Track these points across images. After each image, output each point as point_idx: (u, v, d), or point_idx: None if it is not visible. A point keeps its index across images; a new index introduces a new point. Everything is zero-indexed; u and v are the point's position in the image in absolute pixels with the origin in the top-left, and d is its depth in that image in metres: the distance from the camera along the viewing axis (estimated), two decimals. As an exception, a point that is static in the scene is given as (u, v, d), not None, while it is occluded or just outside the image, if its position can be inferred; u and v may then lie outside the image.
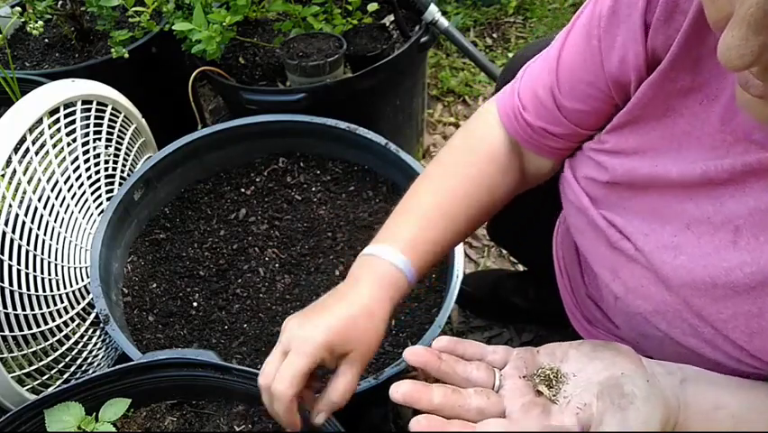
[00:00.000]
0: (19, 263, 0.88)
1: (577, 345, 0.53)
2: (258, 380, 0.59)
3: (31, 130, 0.93)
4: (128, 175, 1.14)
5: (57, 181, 0.98)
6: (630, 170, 0.56)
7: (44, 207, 0.95)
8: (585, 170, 0.63)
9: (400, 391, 0.49)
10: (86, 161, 1.05)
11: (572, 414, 0.48)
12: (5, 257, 0.86)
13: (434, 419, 0.48)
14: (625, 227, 0.58)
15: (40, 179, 0.95)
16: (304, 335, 0.57)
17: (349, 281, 0.64)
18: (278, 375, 0.57)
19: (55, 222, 0.97)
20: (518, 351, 0.55)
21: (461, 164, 0.71)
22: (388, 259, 0.63)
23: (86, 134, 1.05)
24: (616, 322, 0.70)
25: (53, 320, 0.93)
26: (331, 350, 0.58)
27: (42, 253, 0.93)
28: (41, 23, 1.25)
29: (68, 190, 1.01)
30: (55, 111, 0.98)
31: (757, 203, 0.47)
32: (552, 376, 0.50)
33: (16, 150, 0.89)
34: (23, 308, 0.88)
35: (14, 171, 0.89)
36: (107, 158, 1.10)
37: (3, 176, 0.88)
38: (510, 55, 1.98)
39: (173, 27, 1.22)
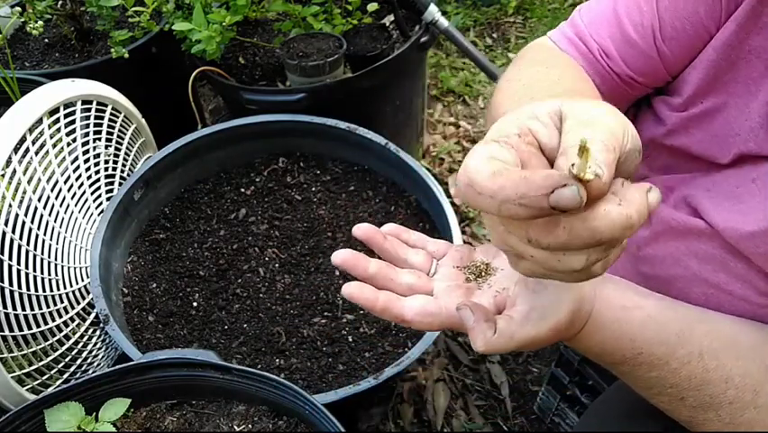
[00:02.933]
0: (19, 263, 0.88)
1: None
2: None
3: (31, 130, 0.93)
4: (128, 175, 1.14)
5: (57, 181, 0.98)
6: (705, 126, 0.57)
7: (44, 207, 0.95)
8: (649, 123, 0.63)
9: (340, 256, 0.50)
10: (86, 161, 1.05)
11: (491, 297, 0.50)
12: (5, 257, 0.86)
13: (365, 286, 0.49)
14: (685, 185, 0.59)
15: (40, 179, 0.95)
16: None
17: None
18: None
19: (55, 222, 0.97)
20: (457, 246, 0.57)
21: (554, 64, 0.63)
22: None
23: (86, 134, 1.05)
24: (633, 279, 0.70)
25: (53, 320, 0.93)
26: None
27: (42, 253, 0.93)
28: (40, 23, 1.25)
29: (68, 190, 1.01)
30: (55, 111, 0.98)
31: None
32: (482, 268, 0.54)
33: (16, 150, 0.89)
34: (23, 308, 0.88)
35: (14, 171, 0.89)
36: (107, 158, 1.10)
37: (3, 176, 0.88)
38: (510, 55, 1.98)
39: (173, 27, 1.22)
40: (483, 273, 0.53)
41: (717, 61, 0.56)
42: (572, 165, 0.31)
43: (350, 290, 0.49)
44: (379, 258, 0.54)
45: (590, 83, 0.62)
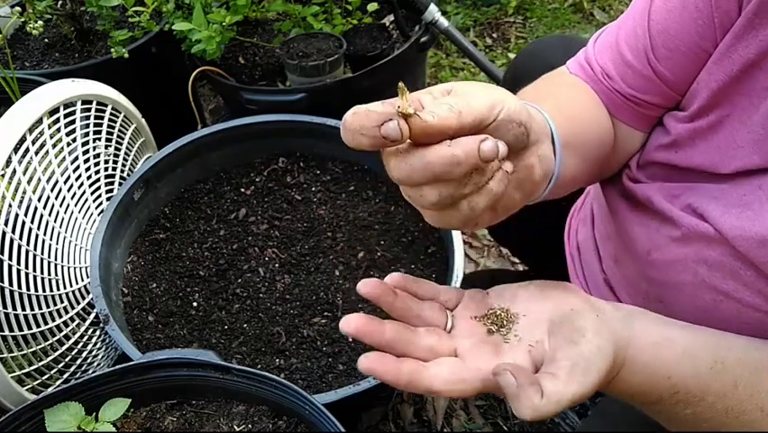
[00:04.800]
0: (19, 263, 0.88)
1: (525, 286, 0.52)
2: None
3: (30, 130, 0.93)
4: (128, 175, 1.14)
5: (57, 181, 0.98)
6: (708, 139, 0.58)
7: (44, 207, 0.95)
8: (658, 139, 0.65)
9: (352, 324, 0.45)
10: (86, 161, 1.05)
11: (524, 352, 0.47)
12: (5, 257, 0.86)
13: (385, 357, 0.44)
14: (693, 191, 0.60)
15: (40, 179, 0.95)
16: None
17: None
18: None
19: (55, 222, 0.97)
20: (469, 292, 0.53)
21: (563, 84, 0.68)
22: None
23: (86, 134, 1.05)
24: (639, 283, 0.70)
25: (53, 320, 0.93)
26: None
27: (42, 253, 0.93)
28: (40, 22, 1.25)
29: (68, 190, 1.01)
30: (55, 111, 0.99)
31: None
32: (503, 316, 0.50)
33: (16, 150, 0.89)
34: (23, 308, 0.88)
35: (14, 171, 0.90)
36: (107, 158, 1.10)
37: (3, 176, 0.88)
38: (510, 55, 1.98)
39: (173, 27, 1.22)
40: (505, 322, 0.49)
41: (719, 76, 0.56)
42: (398, 105, 0.38)
43: (369, 364, 0.44)
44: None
45: (585, 96, 0.67)
